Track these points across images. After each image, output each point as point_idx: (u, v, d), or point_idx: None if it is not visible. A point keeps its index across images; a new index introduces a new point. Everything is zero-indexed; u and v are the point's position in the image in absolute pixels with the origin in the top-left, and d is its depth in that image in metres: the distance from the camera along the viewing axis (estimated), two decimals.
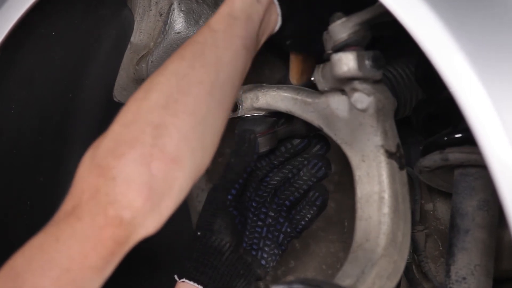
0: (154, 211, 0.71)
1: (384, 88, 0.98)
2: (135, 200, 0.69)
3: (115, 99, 1.28)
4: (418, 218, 1.29)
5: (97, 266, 0.69)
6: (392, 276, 0.94)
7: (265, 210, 1.13)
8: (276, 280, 1.45)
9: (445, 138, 1.09)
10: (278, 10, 0.91)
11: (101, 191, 0.69)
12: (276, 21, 0.92)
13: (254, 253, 1.09)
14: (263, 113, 1.15)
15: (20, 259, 0.70)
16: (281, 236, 1.13)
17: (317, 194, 1.14)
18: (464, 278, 1.06)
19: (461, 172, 1.11)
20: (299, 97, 1.07)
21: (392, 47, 1.11)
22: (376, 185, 0.96)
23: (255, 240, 1.10)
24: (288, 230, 1.13)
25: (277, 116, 1.16)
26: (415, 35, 0.69)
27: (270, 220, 1.13)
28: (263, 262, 1.10)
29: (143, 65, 1.25)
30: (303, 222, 1.14)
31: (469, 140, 1.00)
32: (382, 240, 0.94)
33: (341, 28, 0.93)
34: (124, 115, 0.75)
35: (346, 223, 1.41)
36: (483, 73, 0.66)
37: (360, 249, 0.95)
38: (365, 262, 0.93)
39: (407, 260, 0.99)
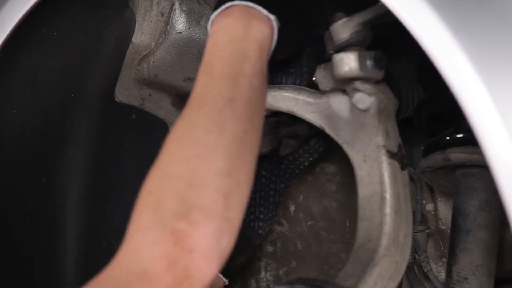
0: (210, 282, 0.71)
1: (386, 88, 0.98)
2: (207, 275, 0.68)
3: (116, 99, 1.28)
4: (420, 218, 1.29)
5: None
6: (394, 276, 0.94)
7: (255, 175, 1.16)
8: (278, 280, 1.45)
9: (447, 138, 1.09)
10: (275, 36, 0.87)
11: (179, 263, 0.67)
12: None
13: (252, 224, 1.13)
14: (264, 113, 1.15)
15: None
16: (276, 194, 1.16)
17: (321, 141, 1.19)
18: (465, 279, 1.06)
19: (463, 172, 1.11)
20: (300, 97, 1.07)
21: (393, 47, 1.11)
22: (377, 185, 0.96)
23: (251, 209, 1.14)
24: (282, 185, 1.17)
25: (279, 117, 1.16)
26: (417, 36, 0.69)
27: (263, 180, 1.16)
28: (260, 231, 1.14)
29: (145, 65, 1.25)
30: (297, 171, 1.19)
31: (471, 140, 1.00)
32: (384, 240, 0.94)
33: (343, 28, 0.93)
34: (187, 173, 0.71)
35: (347, 224, 1.41)
36: (484, 73, 0.66)
37: (361, 249, 0.95)
38: (367, 262, 0.93)
39: (409, 260, 0.99)
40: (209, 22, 0.86)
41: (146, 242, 0.68)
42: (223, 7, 0.86)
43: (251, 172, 0.76)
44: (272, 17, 0.85)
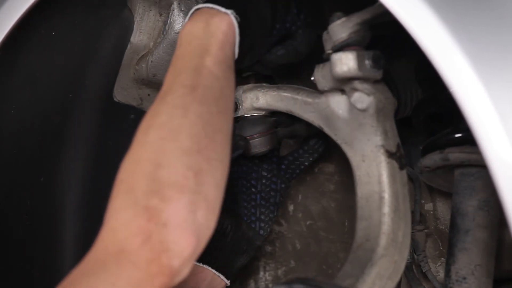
0: (194, 258, 0.71)
1: (384, 88, 0.98)
2: (185, 249, 0.69)
3: (115, 99, 1.28)
4: (418, 218, 1.29)
5: None
6: (392, 276, 0.94)
7: (255, 175, 1.15)
8: (277, 280, 1.45)
9: (445, 138, 1.09)
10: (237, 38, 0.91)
11: (154, 237, 0.68)
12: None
13: (253, 225, 1.14)
14: (263, 113, 1.15)
15: None
16: (277, 195, 1.17)
17: (320, 141, 1.19)
18: (464, 278, 1.06)
19: (462, 172, 1.11)
20: (299, 97, 1.07)
21: (392, 46, 1.11)
22: (376, 185, 0.96)
23: (252, 210, 1.15)
24: (282, 186, 1.18)
25: (278, 117, 1.16)
26: (415, 35, 0.69)
27: (264, 181, 1.16)
28: (261, 232, 1.15)
29: (143, 65, 1.24)
30: (297, 171, 1.20)
31: (469, 140, 1.00)
32: (383, 240, 0.94)
33: (341, 28, 0.93)
34: (155, 155, 0.73)
35: (346, 223, 1.41)
36: (483, 73, 0.66)
37: (360, 249, 0.95)
38: (366, 262, 0.93)
39: (407, 260, 0.99)
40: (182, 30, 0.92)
41: (120, 223, 0.69)
42: (189, 13, 0.93)
43: (224, 151, 0.79)
44: (229, 11, 0.90)
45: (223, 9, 0.89)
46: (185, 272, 0.71)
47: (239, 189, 1.16)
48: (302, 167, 1.20)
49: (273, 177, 1.17)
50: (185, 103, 0.77)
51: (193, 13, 0.92)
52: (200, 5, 0.91)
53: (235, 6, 0.90)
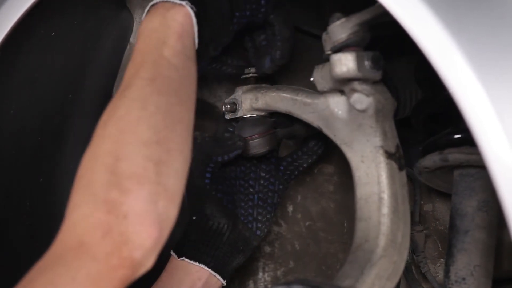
0: (157, 249, 0.71)
1: (383, 88, 0.98)
2: (147, 240, 0.69)
3: None
4: (418, 218, 1.29)
5: None
6: (391, 276, 0.94)
7: (253, 176, 1.15)
8: (276, 281, 1.45)
9: (445, 139, 1.09)
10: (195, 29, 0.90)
11: (115, 230, 0.67)
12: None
13: (250, 225, 1.14)
14: (262, 113, 1.15)
15: None
16: (275, 196, 1.17)
17: (320, 143, 1.19)
18: (463, 279, 1.06)
19: (461, 173, 1.11)
20: (298, 98, 1.07)
21: (392, 47, 1.11)
22: (375, 185, 0.96)
23: (249, 210, 1.15)
24: (281, 187, 1.18)
25: (277, 117, 1.16)
26: (414, 36, 0.69)
27: (262, 182, 1.16)
28: (258, 232, 1.15)
29: None
30: (296, 172, 1.20)
31: (469, 141, 1.00)
32: (382, 240, 0.94)
33: (341, 29, 0.93)
34: (113, 148, 0.73)
35: (345, 224, 1.41)
36: (482, 73, 0.66)
37: (359, 250, 0.96)
38: (365, 263, 0.93)
39: (407, 261, 0.99)
40: (139, 26, 0.91)
41: (80, 217, 0.69)
42: (146, 9, 0.92)
43: (184, 142, 0.78)
44: (184, 2, 0.89)
45: (178, 1, 0.89)
46: (148, 264, 0.71)
47: (237, 189, 1.16)
48: (301, 168, 1.20)
49: (271, 178, 1.17)
50: (144, 95, 0.77)
51: (148, 9, 0.91)
52: (154, 1, 0.91)
53: None
